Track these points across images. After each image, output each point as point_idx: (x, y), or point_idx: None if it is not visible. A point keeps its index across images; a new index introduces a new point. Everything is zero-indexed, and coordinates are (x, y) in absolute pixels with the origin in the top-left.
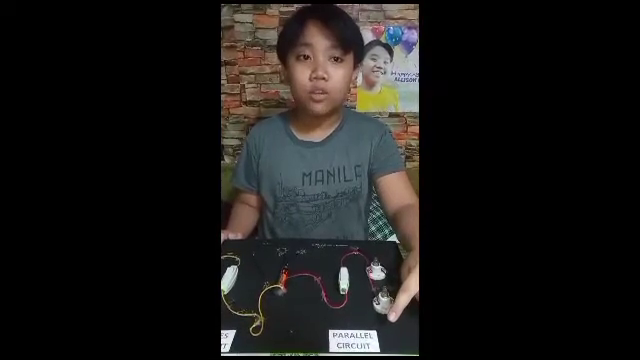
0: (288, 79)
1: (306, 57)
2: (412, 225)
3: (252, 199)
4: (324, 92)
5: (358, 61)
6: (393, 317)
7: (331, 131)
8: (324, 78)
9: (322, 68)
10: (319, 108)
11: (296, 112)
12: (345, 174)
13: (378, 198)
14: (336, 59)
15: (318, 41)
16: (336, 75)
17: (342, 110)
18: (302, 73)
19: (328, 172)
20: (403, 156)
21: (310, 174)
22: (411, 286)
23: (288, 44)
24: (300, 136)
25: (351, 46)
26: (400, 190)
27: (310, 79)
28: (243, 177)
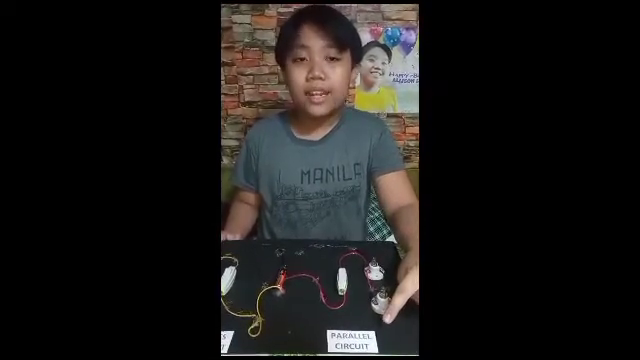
0: (286, 82)
1: (302, 59)
2: (411, 225)
3: (251, 197)
4: (323, 92)
5: (356, 61)
6: (388, 319)
7: (330, 129)
8: (321, 78)
9: (318, 68)
10: (319, 110)
11: (295, 111)
12: (344, 173)
13: (377, 197)
14: (332, 59)
15: (314, 43)
16: (333, 74)
17: (341, 108)
18: (299, 74)
19: (327, 170)
20: (401, 157)
21: (309, 172)
22: (407, 287)
23: (285, 47)
24: (299, 135)
25: (347, 45)
26: (399, 190)
27: (307, 79)
28: (242, 175)
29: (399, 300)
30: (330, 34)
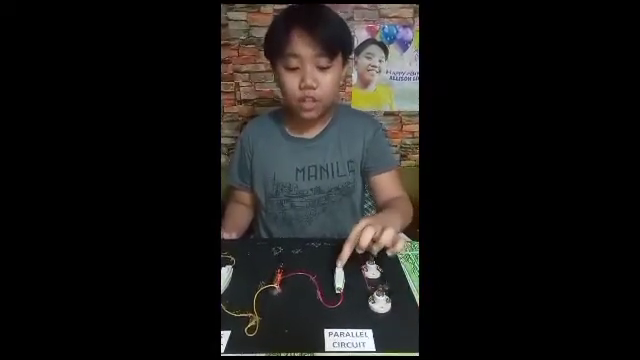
0: (278, 82)
1: (295, 68)
2: (396, 208)
3: (246, 197)
4: (314, 100)
5: (348, 56)
6: (339, 264)
7: (323, 127)
8: (313, 87)
9: (310, 77)
10: (311, 115)
11: (289, 110)
12: (338, 169)
13: (370, 192)
14: (324, 68)
15: (304, 52)
16: (324, 81)
17: (334, 106)
18: (292, 82)
19: (321, 167)
20: (398, 155)
21: (303, 170)
22: (351, 238)
23: (275, 51)
24: (293, 133)
25: (338, 50)
26: (391, 186)
27: (300, 88)
28: (237, 174)
29: (346, 249)
30: (321, 43)
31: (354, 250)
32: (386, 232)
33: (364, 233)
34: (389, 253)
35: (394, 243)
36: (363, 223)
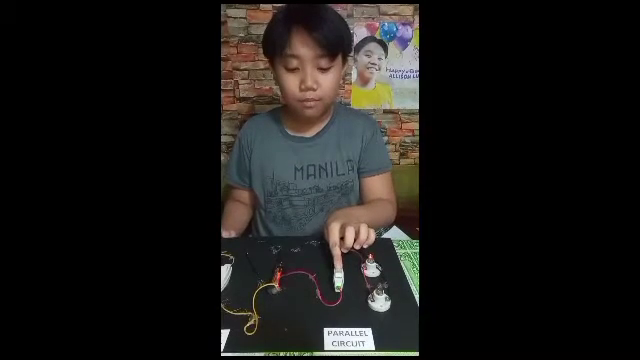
0: (277, 80)
1: (294, 69)
2: (368, 204)
3: (245, 195)
4: (315, 100)
5: (347, 55)
6: (338, 266)
7: (322, 126)
8: (313, 89)
9: (311, 79)
10: (311, 113)
11: (287, 109)
12: (337, 168)
13: (359, 190)
14: (324, 68)
15: (305, 53)
16: (325, 82)
17: (333, 105)
18: (292, 83)
19: (320, 166)
20: (397, 153)
21: (302, 168)
22: (334, 240)
23: (274, 51)
24: (292, 132)
25: (339, 51)
26: (380, 189)
27: (300, 89)
28: (235, 173)
29: (336, 252)
30: (321, 44)
31: (353, 249)
32: (362, 229)
33: (347, 234)
34: (365, 246)
35: (368, 237)
36: (336, 223)
